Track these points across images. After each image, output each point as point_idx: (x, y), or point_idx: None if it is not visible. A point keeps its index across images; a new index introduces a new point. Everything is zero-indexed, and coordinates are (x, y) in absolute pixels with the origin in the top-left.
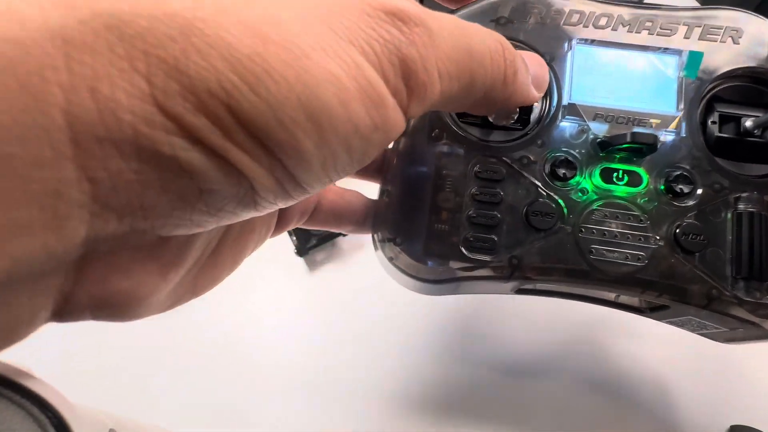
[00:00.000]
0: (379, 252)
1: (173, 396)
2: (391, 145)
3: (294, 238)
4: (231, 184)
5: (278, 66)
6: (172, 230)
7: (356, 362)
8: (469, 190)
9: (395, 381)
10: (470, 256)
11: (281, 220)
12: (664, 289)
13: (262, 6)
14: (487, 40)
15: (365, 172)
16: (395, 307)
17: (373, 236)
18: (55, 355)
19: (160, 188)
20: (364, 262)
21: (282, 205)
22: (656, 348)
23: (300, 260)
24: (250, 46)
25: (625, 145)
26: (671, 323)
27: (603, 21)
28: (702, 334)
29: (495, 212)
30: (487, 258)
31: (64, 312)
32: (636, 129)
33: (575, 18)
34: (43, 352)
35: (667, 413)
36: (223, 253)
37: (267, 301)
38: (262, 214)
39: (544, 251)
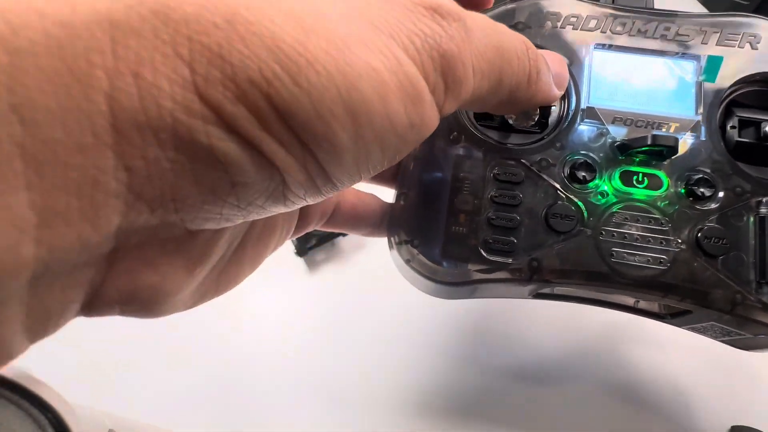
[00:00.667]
0: (395, 254)
1: (173, 396)
2: None
3: (294, 237)
4: (263, 177)
5: (321, 57)
6: (201, 224)
7: (356, 362)
8: (488, 192)
9: (395, 381)
10: (489, 258)
11: (302, 220)
12: (687, 293)
13: None
14: (514, 39)
15: (380, 177)
16: (395, 307)
17: (389, 238)
18: (55, 355)
19: (193, 180)
20: (364, 262)
21: (310, 201)
22: (657, 349)
23: (300, 260)
24: (293, 36)
25: (646, 147)
26: (692, 329)
27: (619, 27)
28: (724, 341)
29: (514, 214)
30: (506, 260)
31: (93, 306)
32: (655, 132)
33: (592, 24)
34: (43, 353)
35: (667, 413)
36: (246, 251)
37: (267, 301)
38: (289, 210)
39: (564, 254)
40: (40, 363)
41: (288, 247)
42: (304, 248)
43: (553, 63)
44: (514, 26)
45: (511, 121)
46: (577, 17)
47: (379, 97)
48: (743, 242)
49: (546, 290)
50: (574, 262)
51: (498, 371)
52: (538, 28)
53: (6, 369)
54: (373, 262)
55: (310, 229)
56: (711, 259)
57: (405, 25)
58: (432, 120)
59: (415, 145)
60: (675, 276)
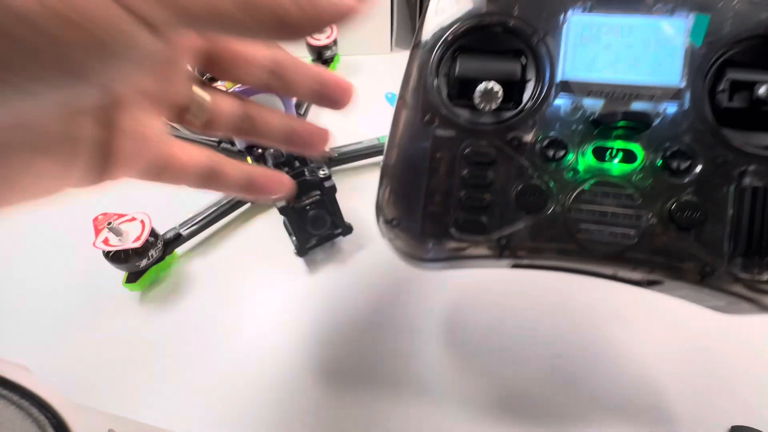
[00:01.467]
0: (383, 231)
1: (173, 396)
2: (388, 131)
3: (294, 238)
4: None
5: None
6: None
7: (355, 361)
8: (460, 173)
9: (395, 380)
10: (460, 236)
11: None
12: (656, 266)
13: None
14: None
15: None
16: (395, 306)
17: (377, 220)
18: (55, 355)
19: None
20: (364, 262)
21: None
22: (657, 349)
23: (300, 260)
24: None
25: (619, 123)
26: (672, 295)
27: None
28: (709, 307)
29: (485, 195)
30: (477, 238)
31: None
32: (634, 104)
33: None
34: (44, 353)
35: (667, 413)
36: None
37: (267, 300)
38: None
39: (534, 231)
40: (41, 363)
41: (288, 247)
42: (304, 248)
43: None
44: None
45: (476, 103)
46: None
47: None
48: (720, 214)
49: (524, 262)
50: (543, 238)
51: (498, 370)
52: None
53: (6, 368)
54: (373, 262)
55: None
56: (683, 232)
57: None
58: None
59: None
60: (644, 250)
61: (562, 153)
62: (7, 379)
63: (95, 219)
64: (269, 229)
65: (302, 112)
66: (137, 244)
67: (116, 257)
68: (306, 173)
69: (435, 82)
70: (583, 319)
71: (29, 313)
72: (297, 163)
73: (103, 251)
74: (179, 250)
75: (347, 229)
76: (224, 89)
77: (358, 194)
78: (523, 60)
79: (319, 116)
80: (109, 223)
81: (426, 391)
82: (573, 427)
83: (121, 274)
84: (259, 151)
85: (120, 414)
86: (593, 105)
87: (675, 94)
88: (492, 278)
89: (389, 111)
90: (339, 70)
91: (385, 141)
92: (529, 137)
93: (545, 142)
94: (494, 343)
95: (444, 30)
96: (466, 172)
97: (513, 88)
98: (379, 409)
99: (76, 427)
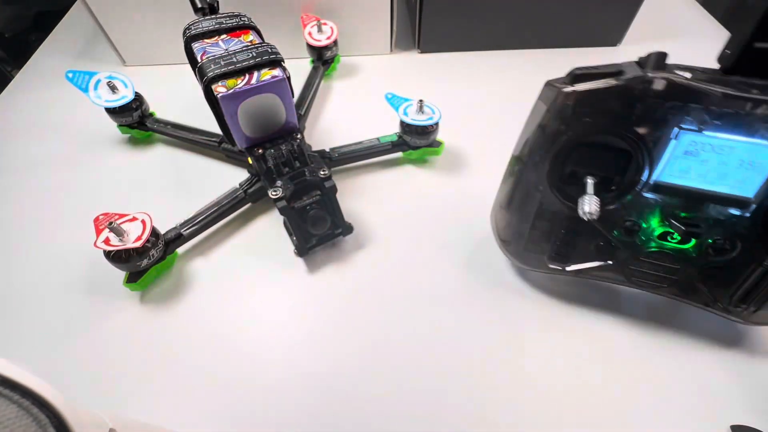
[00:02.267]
0: (498, 244)
1: (174, 395)
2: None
3: (294, 238)
4: None
5: None
6: None
7: (355, 361)
8: (560, 228)
9: (394, 379)
10: (550, 265)
11: None
12: (680, 295)
13: None
14: None
15: None
16: (395, 306)
17: (497, 240)
18: (56, 354)
19: None
20: (364, 262)
21: None
22: (657, 350)
23: (300, 260)
24: None
25: (688, 215)
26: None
27: (717, 108)
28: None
29: (573, 242)
30: (559, 266)
31: None
32: (706, 206)
33: (689, 109)
34: (44, 352)
35: (667, 413)
36: None
37: (267, 301)
38: None
39: (601, 269)
40: (41, 362)
41: (288, 247)
42: (304, 248)
43: None
44: (616, 93)
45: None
46: (676, 98)
47: None
48: (740, 280)
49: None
50: (605, 274)
51: (497, 368)
52: (638, 104)
53: (6, 367)
54: (373, 262)
55: None
56: (709, 282)
57: None
58: None
59: None
60: (673, 289)
61: (634, 232)
62: (8, 377)
63: (96, 219)
64: (270, 229)
65: (302, 113)
66: (138, 244)
67: (117, 257)
68: (306, 173)
69: (549, 162)
70: (591, 328)
71: (30, 312)
72: (297, 164)
73: (104, 251)
74: (180, 250)
75: (347, 229)
76: (225, 88)
77: (359, 194)
78: (627, 158)
79: (319, 116)
80: (110, 223)
81: (426, 389)
82: (574, 424)
83: (121, 274)
84: (260, 151)
85: (120, 413)
86: (673, 202)
87: (742, 203)
88: (492, 280)
89: (389, 111)
90: (339, 71)
91: (387, 140)
92: (614, 216)
93: (626, 223)
94: (499, 335)
95: (570, 138)
96: (564, 226)
97: (611, 181)
98: (379, 408)
99: (77, 426)
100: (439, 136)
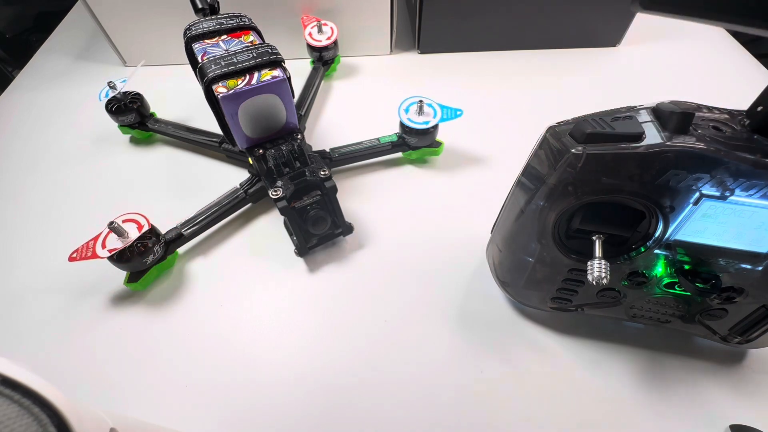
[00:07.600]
0: (497, 284)
1: (174, 395)
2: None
3: (294, 238)
4: None
5: None
6: None
7: (355, 360)
8: (562, 277)
9: (394, 379)
10: (551, 306)
11: None
12: (684, 327)
13: None
14: None
15: None
16: (394, 306)
17: (494, 278)
18: (57, 353)
19: None
20: (364, 262)
21: None
22: (657, 350)
23: (300, 260)
24: None
25: (699, 269)
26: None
27: (733, 181)
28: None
29: (576, 290)
30: (562, 306)
31: None
32: (719, 260)
33: (707, 180)
34: (44, 351)
35: (667, 413)
36: None
37: (267, 300)
38: None
39: (605, 311)
40: (42, 361)
41: (288, 247)
42: (304, 248)
43: None
44: (634, 160)
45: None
46: (701, 169)
47: None
48: (739, 317)
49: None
50: (608, 313)
51: (497, 368)
52: (658, 173)
53: (7, 367)
54: (373, 262)
55: None
56: (707, 317)
57: None
58: None
59: None
60: (674, 325)
61: (644, 282)
62: (9, 377)
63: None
64: (270, 229)
65: (303, 113)
66: (135, 237)
67: (119, 257)
68: (307, 173)
69: (554, 218)
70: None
71: (31, 312)
72: (298, 164)
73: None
74: (181, 250)
75: (347, 229)
76: (226, 89)
77: (359, 194)
78: (639, 218)
79: (320, 116)
80: (111, 223)
81: (425, 388)
82: (576, 425)
83: (122, 274)
84: (260, 151)
85: (121, 412)
86: (683, 259)
87: (754, 258)
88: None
89: (389, 111)
90: (339, 71)
91: (387, 140)
92: (621, 269)
93: (633, 277)
94: (495, 343)
95: (578, 198)
96: (565, 274)
97: (620, 237)
98: (378, 408)
99: (78, 425)
100: (439, 136)
